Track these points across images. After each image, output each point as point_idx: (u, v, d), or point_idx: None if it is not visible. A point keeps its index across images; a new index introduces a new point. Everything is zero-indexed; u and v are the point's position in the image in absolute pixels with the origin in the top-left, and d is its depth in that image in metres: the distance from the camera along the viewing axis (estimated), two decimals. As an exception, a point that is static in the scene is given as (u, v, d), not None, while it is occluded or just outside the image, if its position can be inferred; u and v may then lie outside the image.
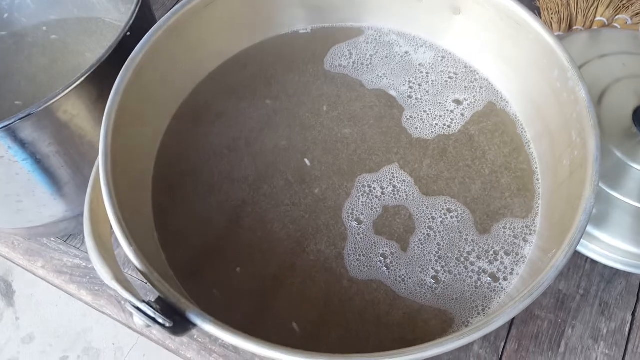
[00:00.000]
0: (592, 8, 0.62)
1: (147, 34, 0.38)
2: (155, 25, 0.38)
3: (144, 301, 0.24)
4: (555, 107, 0.36)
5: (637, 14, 0.61)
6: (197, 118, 0.41)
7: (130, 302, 0.24)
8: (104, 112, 0.42)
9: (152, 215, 0.37)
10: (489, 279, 0.34)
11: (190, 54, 0.41)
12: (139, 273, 0.28)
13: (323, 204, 0.37)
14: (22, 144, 0.40)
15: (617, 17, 0.61)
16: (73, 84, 0.39)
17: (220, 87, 0.43)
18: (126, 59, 0.39)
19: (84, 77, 0.39)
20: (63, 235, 0.52)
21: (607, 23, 0.62)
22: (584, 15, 0.62)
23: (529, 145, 0.39)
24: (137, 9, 0.43)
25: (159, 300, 0.25)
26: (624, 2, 0.61)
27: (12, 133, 0.39)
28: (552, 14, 0.63)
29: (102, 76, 0.40)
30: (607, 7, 0.62)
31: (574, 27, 0.62)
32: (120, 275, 0.28)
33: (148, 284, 0.28)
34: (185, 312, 0.25)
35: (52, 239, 0.52)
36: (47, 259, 0.51)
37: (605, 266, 0.46)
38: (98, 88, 0.41)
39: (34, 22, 0.56)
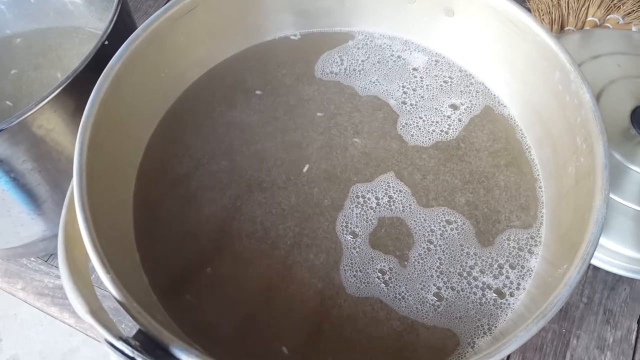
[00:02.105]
0: (583, 8, 0.61)
1: (125, 42, 0.36)
2: (132, 34, 0.36)
3: (121, 338, 0.22)
4: (557, 111, 0.35)
5: (629, 13, 0.59)
6: (180, 130, 0.39)
7: (106, 340, 0.22)
8: (82, 125, 0.40)
9: (133, 234, 0.35)
10: (494, 294, 0.32)
11: (172, 63, 0.39)
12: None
13: (315, 216, 0.35)
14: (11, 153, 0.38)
15: (608, 17, 0.60)
16: (47, 96, 0.37)
17: (204, 97, 0.40)
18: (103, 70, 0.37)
19: (59, 89, 0.37)
20: (44, 255, 0.50)
21: (598, 23, 0.60)
22: (575, 16, 0.61)
23: (529, 151, 0.38)
24: (115, 17, 0.40)
25: (139, 334, 0.23)
26: (615, 1, 0.60)
27: (-17, 151, 0.37)
28: (543, 14, 0.61)
29: (78, 87, 0.38)
30: (599, 7, 0.61)
31: (566, 28, 0.60)
32: (95, 306, 0.26)
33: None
34: (168, 346, 0.23)
35: (32, 259, 0.50)
36: (27, 280, 0.49)
37: (608, 272, 0.44)
38: (75, 100, 0.38)
39: (9, 32, 0.53)
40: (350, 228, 0.35)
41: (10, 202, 0.41)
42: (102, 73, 0.34)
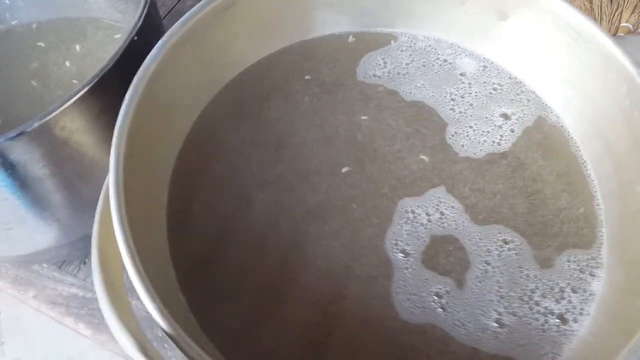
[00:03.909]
0: (617, 13, 0.59)
1: (162, 39, 0.33)
2: (169, 31, 0.33)
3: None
4: (622, 127, 0.33)
5: (666, 18, 0.58)
6: (215, 134, 0.36)
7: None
8: (105, 126, 0.37)
9: (168, 249, 0.32)
10: (557, 320, 0.30)
11: (209, 62, 0.36)
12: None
13: (362, 230, 0.33)
14: (11, 166, 0.35)
15: (645, 22, 0.58)
16: (73, 96, 0.34)
17: (241, 97, 0.38)
18: (132, 67, 0.35)
19: (86, 88, 0.34)
20: (56, 261, 0.47)
21: (632, 29, 0.59)
22: (608, 21, 0.59)
23: (585, 166, 0.36)
24: (145, 10, 0.38)
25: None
26: (651, 7, 0.58)
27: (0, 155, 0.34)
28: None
29: (105, 86, 0.35)
30: (632, 12, 0.59)
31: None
32: (142, 339, 0.23)
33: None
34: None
35: (45, 265, 0.47)
36: (40, 287, 0.46)
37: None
38: (100, 100, 0.36)
39: (23, 23, 0.50)
40: (401, 246, 0.33)
41: (26, 208, 0.39)
42: (137, 73, 0.32)
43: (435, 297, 0.31)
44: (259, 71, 0.39)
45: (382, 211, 0.34)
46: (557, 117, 0.37)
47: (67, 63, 0.46)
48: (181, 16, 0.34)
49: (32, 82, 0.45)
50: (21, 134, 0.33)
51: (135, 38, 0.36)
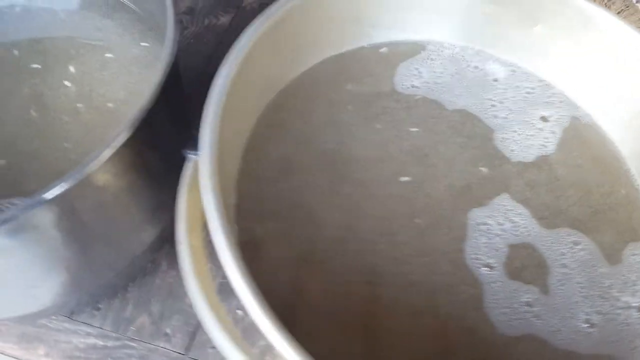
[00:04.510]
0: None
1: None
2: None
3: None
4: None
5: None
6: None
7: None
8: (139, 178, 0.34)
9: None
10: (637, 313, 0.32)
11: (253, 83, 0.34)
12: None
13: (437, 245, 0.33)
14: (45, 223, 0.30)
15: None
16: (111, 146, 0.29)
17: (286, 116, 0.36)
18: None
19: (126, 136, 0.30)
20: (65, 311, 0.42)
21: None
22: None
23: (625, 162, 0.38)
24: (175, 34, 0.34)
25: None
26: None
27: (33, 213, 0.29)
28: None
29: (147, 125, 0.31)
30: None
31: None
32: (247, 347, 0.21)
33: None
34: None
35: (53, 317, 0.42)
36: (51, 343, 0.41)
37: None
38: (142, 141, 0.32)
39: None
40: (483, 260, 0.33)
41: (60, 262, 0.34)
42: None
43: (527, 307, 0.31)
44: (301, 85, 0.37)
45: (452, 223, 0.34)
46: (589, 117, 0.39)
47: (67, 82, 0.41)
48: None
49: (31, 110, 0.39)
50: (63, 192, 0.28)
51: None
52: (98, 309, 0.43)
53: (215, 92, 0.28)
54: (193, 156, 0.30)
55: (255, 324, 0.23)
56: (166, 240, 0.39)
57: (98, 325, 0.42)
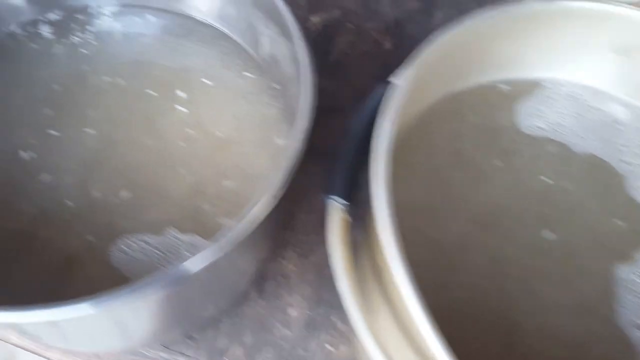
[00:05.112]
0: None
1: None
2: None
3: None
4: None
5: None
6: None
7: None
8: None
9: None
10: None
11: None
12: None
13: (584, 303, 0.30)
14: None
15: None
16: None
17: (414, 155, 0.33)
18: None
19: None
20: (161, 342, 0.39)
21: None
22: None
23: None
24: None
25: None
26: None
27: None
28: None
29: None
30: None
31: None
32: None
33: None
34: None
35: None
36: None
37: None
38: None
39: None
40: (636, 322, 0.30)
41: (159, 323, 0.31)
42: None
43: (694, 377, 0.29)
44: (425, 123, 0.35)
45: (597, 280, 0.31)
46: None
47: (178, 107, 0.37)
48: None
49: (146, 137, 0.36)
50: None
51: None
52: (191, 338, 0.40)
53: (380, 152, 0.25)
54: (335, 202, 0.28)
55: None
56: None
57: (192, 355, 0.39)
